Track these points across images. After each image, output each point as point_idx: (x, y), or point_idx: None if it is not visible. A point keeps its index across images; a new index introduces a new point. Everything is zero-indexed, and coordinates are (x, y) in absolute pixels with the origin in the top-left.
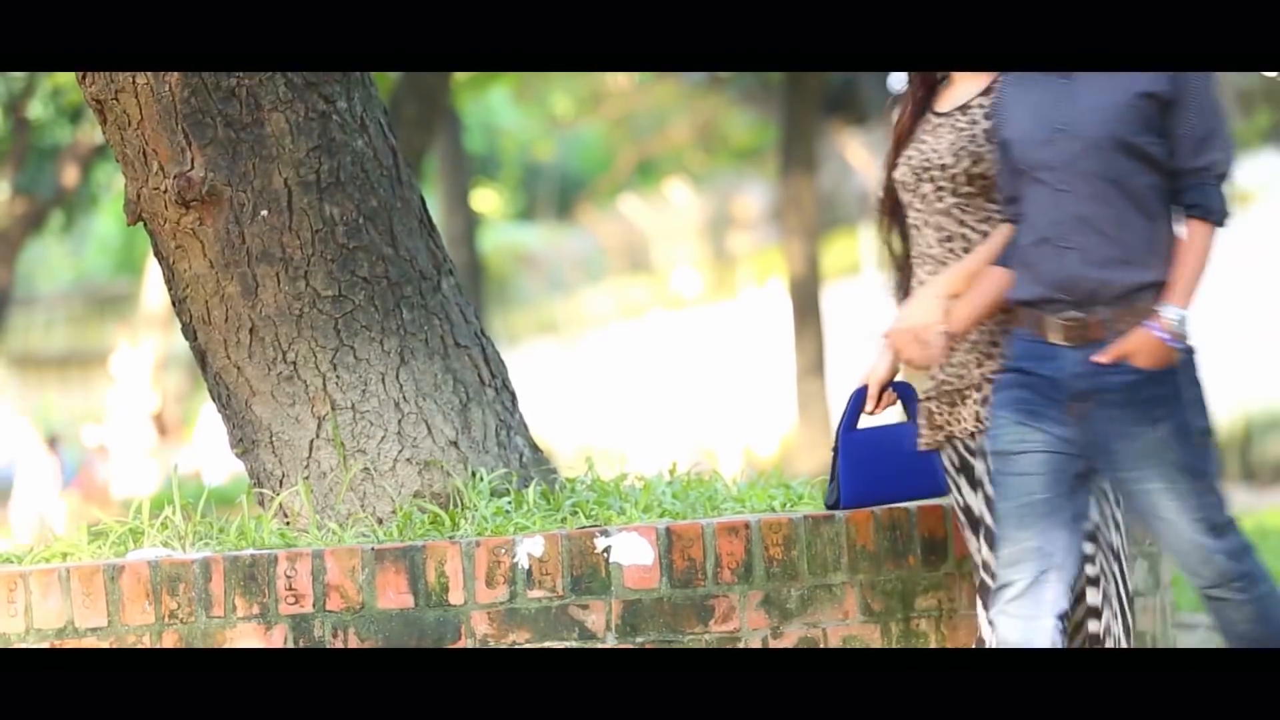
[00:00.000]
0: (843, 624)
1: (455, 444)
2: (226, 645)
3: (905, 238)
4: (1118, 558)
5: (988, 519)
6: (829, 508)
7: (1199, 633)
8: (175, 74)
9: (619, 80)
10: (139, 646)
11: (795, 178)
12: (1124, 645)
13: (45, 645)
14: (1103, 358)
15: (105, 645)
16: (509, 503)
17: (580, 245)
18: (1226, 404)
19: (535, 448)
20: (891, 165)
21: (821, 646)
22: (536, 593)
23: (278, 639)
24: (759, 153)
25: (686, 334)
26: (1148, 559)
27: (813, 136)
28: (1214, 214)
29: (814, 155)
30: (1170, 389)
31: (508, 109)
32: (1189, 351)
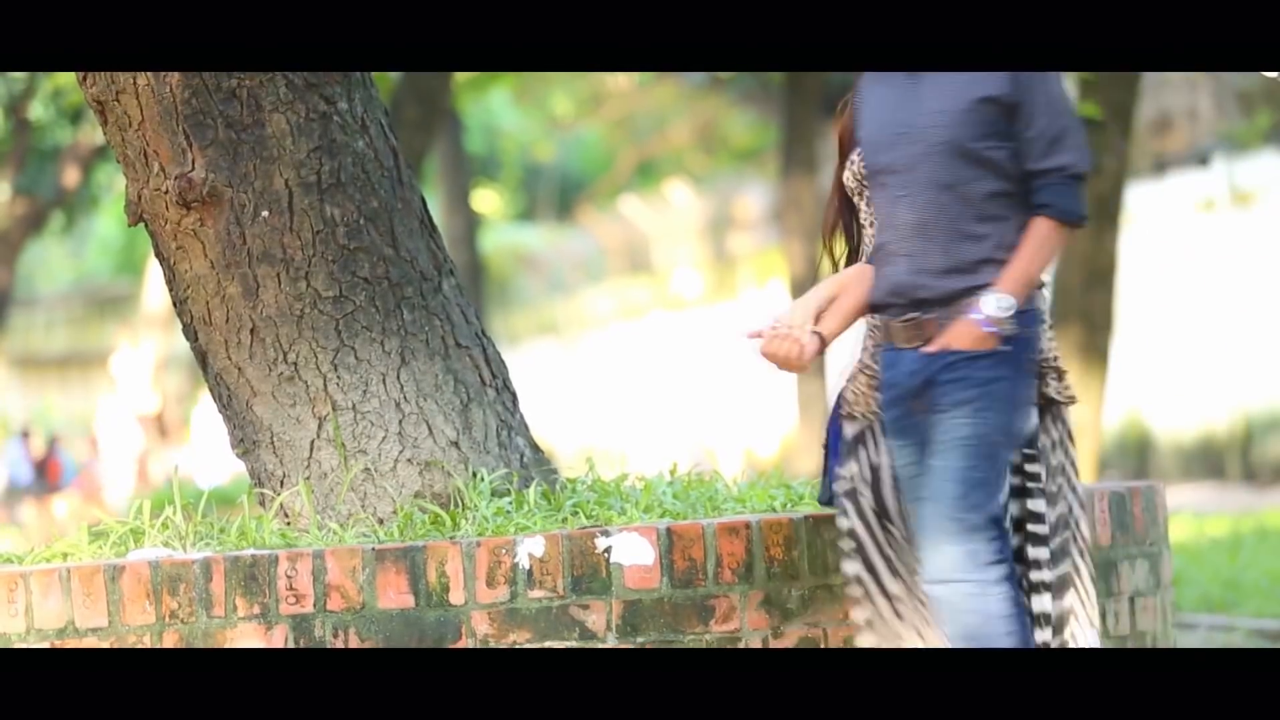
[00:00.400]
0: (843, 624)
1: (456, 444)
2: (227, 645)
3: (854, 241)
4: (1082, 555)
5: None
6: (822, 504)
7: (1200, 632)
8: (176, 75)
9: (619, 81)
10: (139, 647)
11: (795, 179)
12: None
13: (46, 645)
14: (928, 348)
15: (106, 645)
16: (510, 503)
17: (581, 246)
18: (1227, 404)
19: (536, 448)
20: (840, 171)
21: (822, 647)
22: (537, 593)
23: (278, 639)
24: (759, 154)
25: (687, 335)
26: (1148, 559)
27: (813, 137)
28: (1064, 213)
29: (814, 156)
30: (976, 380)
31: (508, 110)
32: (1017, 351)
